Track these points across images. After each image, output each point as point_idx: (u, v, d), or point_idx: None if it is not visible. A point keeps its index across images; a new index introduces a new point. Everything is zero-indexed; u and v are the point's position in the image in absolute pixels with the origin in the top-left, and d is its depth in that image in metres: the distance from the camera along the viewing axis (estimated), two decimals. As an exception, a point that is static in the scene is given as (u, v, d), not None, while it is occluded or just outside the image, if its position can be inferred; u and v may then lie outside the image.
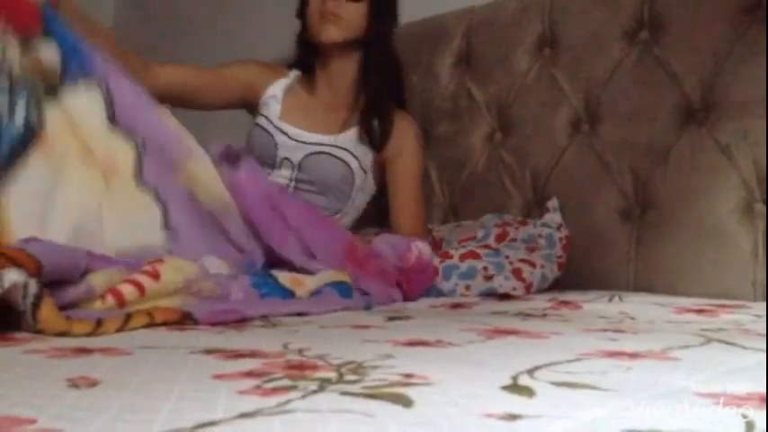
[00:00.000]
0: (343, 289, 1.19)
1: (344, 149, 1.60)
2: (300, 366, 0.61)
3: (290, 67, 1.72)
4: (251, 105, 1.71)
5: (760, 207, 1.40)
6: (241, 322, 0.93)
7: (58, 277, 0.86)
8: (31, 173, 1.02)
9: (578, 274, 1.54)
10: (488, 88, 1.84)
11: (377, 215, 1.70)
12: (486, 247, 1.46)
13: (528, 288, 1.38)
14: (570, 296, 1.32)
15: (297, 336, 0.81)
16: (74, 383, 0.54)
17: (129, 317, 0.84)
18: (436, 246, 1.55)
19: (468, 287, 1.36)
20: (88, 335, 0.78)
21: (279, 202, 1.29)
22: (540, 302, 1.23)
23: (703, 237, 1.44)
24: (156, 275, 0.97)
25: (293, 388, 0.53)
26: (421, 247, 1.37)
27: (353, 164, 1.60)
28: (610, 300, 1.26)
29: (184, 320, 0.90)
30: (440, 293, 1.37)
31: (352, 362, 0.62)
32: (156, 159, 1.17)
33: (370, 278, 1.26)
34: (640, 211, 1.55)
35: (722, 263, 1.41)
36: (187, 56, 1.82)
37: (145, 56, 1.55)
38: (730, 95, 1.46)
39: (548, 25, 1.76)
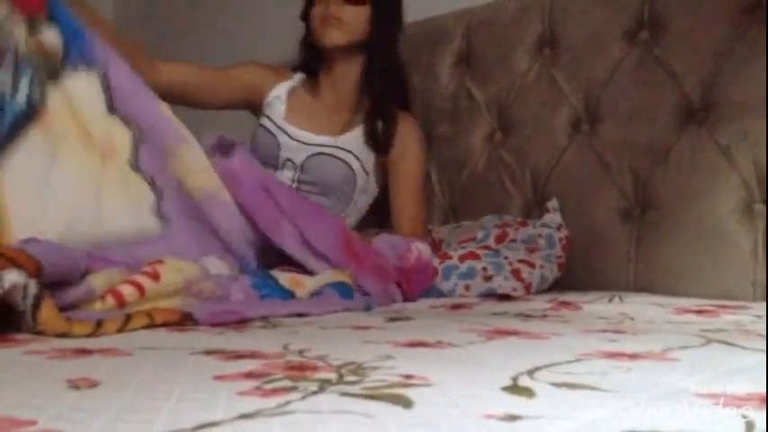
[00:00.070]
0: (343, 290, 1.19)
1: (347, 151, 1.60)
2: (301, 367, 0.61)
3: (295, 70, 1.72)
4: (255, 107, 1.71)
5: (760, 207, 1.40)
6: (241, 323, 0.93)
7: (58, 278, 0.86)
8: (30, 149, 1.03)
9: (578, 274, 1.54)
10: (488, 88, 1.84)
11: (378, 217, 1.70)
12: (486, 248, 1.46)
13: (527, 288, 1.38)
14: (570, 297, 1.32)
15: (297, 337, 0.81)
16: (74, 384, 0.54)
17: (129, 318, 0.84)
18: (436, 247, 1.55)
19: (467, 287, 1.36)
20: (88, 336, 0.78)
21: (272, 189, 1.29)
22: (540, 303, 1.23)
23: (703, 237, 1.44)
24: (156, 276, 0.97)
25: (293, 389, 0.53)
26: (420, 248, 1.37)
27: (355, 165, 1.60)
28: (610, 300, 1.26)
29: (184, 321, 0.90)
30: (440, 294, 1.37)
31: (352, 363, 0.62)
32: (151, 146, 1.19)
33: (367, 273, 1.26)
34: (640, 211, 1.55)
35: (722, 263, 1.41)
36: (187, 56, 1.82)
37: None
38: (730, 96, 1.46)
39: (548, 25, 1.76)
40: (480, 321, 0.96)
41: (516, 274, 1.38)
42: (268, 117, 1.66)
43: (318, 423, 0.45)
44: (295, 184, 1.59)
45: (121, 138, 1.16)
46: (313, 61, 1.69)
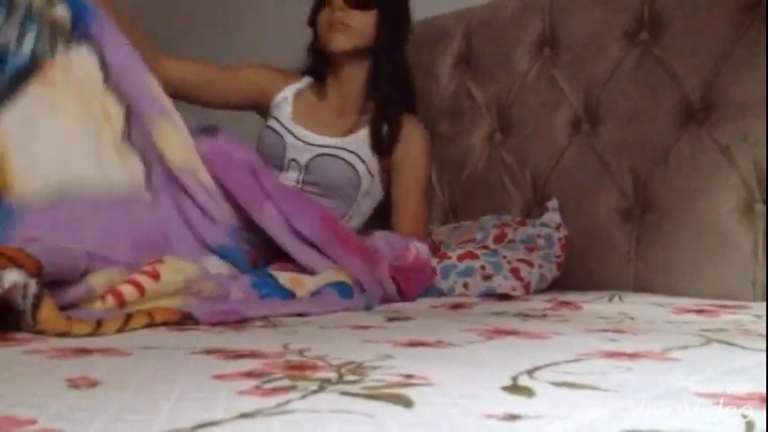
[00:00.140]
0: (343, 289, 1.19)
1: (351, 152, 1.60)
2: (300, 367, 0.61)
3: (303, 74, 1.73)
4: (262, 108, 1.72)
5: (760, 207, 1.40)
6: (241, 323, 0.93)
7: (58, 277, 0.86)
8: (29, 102, 1.07)
9: (578, 274, 1.54)
10: (488, 88, 1.84)
11: (382, 221, 1.69)
12: (485, 248, 1.46)
13: (527, 288, 1.38)
14: (570, 296, 1.32)
15: (297, 336, 0.81)
16: (74, 384, 0.54)
17: (129, 317, 0.84)
18: (435, 249, 1.54)
19: (466, 285, 1.37)
20: (88, 335, 0.78)
21: (259, 171, 1.30)
22: (540, 303, 1.23)
23: (703, 237, 1.44)
24: (156, 276, 0.97)
25: (293, 388, 0.53)
26: (419, 247, 1.37)
27: (360, 167, 1.60)
28: (610, 300, 1.26)
29: (184, 321, 0.90)
30: (440, 293, 1.37)
31: (352, 362, 0.62)
32: (140, 120, 1.22)
33: (354, 257, 1.27)
34: (640, 212, 1.55)
35: (722, 263, 1.41)
36: (187, 56, 1.82)
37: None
38: (730, 96, 1.46)
39: (548, 25, 1.76)
40: (480, 321, 0.96)
41: (515, 273, 1.39)
42: (275, 118, 1.67)
43: (318, 423, 0.45)
44: (299, 185, 1.59)
45: (116, 111, 1.19)
46: (320, 66, 1.69)
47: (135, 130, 1.20)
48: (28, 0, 1.12)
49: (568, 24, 1.72)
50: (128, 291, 0.94)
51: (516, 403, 0.50)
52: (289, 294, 1.15)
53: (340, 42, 1.60)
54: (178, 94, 1.53)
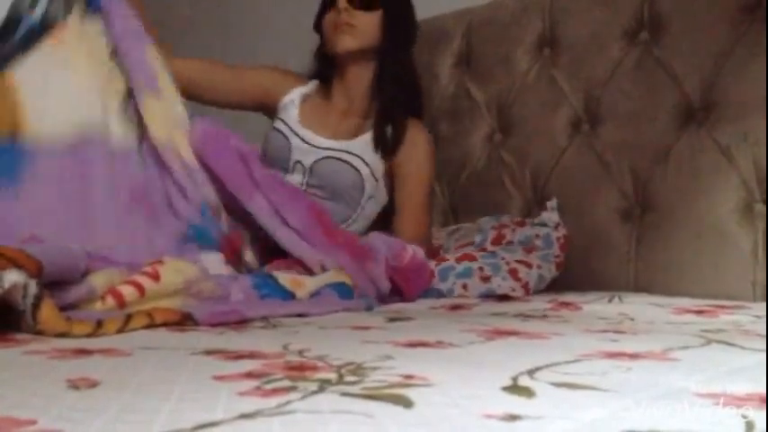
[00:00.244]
0: (342, 290, 1.19)
1: (356, 155, 1.60)
2: (300, 367, 0.61)
3: (311, 78, 1.73)
4: (269, 110, 1.73)
5: (760, 207, 1.40)
6: (241, 323, 0.93)
7: (59, 278, 0.86)
8: (42, 58, 1.12)
9: (578, 274, 1.54)
10: (488, 88, 1.84)
11: (386, 225, 1.68)
12: (483, 250, 1.46)
13: (526, 288, 1.38)
14: (570, 297, 1.31)
15: (297, 337, 0.81)
16: (74, 384, 0.54)
17: (129, 318, 0.84)
18: (434, 253, 1.54)
19: (465, 286, 1.36)
20: (88, 336, 0.78)
21: (248, 159, 1.31)
22: (540, 303, 1.23)
23: (703, 237, 1.44)
24: (156, 276, 0.97)
25: (293, 389, 0.53)
26: (416, 249, 1.37)
27: (364, 170, 1.60)
28: (609, 300, 1.26)
29: (184, 321, 0.90)
30: (439, 294, 1.37)
31: (352, 363, 0.62)
32: (135, 95, 1.25)
33: (339, 250, 1.27)
34: (640, 212, 1.55)
35: (722, 263, 1.41)
36: (187, 56, 1.82)
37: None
38: (730, 96, 1.46)
39: (548, 25, 1.76)
40: (480, 321, 0.96)
41: (513, 273, 1.38)
42: (282, 120, 1.67)
43: (318, 423, 0.45)
44: (304, 188, 1.59)
45: (118, 82, 1.23)
46: (326, 68, 1.70)
47: (131, 104, 1.24)
48: None
49: (568, 24, 1.72)
50: (128, 291, 0.94)
51: (516, 403, 0.50)
52: (289, 295, 1.15)
53: (345, 43, 1.61)
54: (184, 92, 1.53)
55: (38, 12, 1.16)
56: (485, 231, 1.53)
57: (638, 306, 1.18)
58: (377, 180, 1.62)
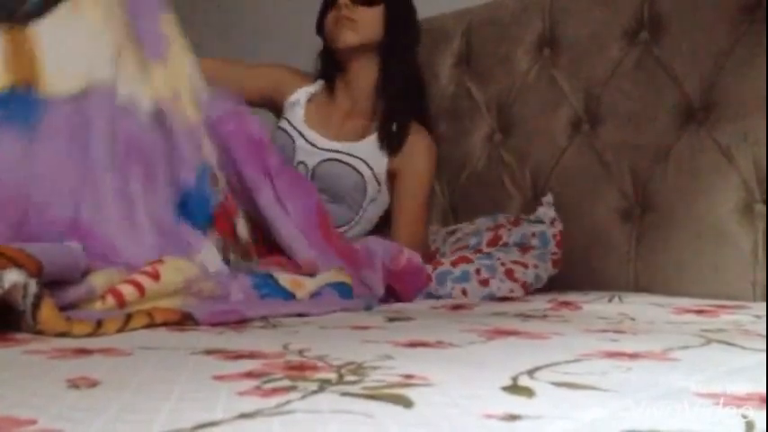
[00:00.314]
0: (342, 290, 1.19)
1: (358, 158, 1.60)
2: (300, 367, 0.60)
3: (316, 79, 1.73)
4: (276, 107, 1.73)
5: (760, 207, 1.40)
6: (241, 323, 0.93)
7: (59, 277, 0.86)
8: (59, 20, 1.12)
9: (578, 274, 1.54)
10: (488, 88, 1.84)
11: (387, 230, 1.68)
12: (478, 251, 1.46)
13: (524, 287, 1.38)
14: (570, 297, 1.31)
15: (297, 336, 0.81)
16: (74, 384, 0.54)
17: (129, 317, 0.84)
18: (431, 257, 1.54)
19: (464, 291, 1.36)
20: (88, 335, 0.78)
21: (263, 146, 1.31)
22: (541, 303, 1.23)
23: (703, 237, 1.44)
24: (156, 276, 0.97)
25: (293, 389, 0.52)
26: (411, 253, 1.37)
27: (367, 173, 1.60)
28: (609, 300, 1.26)
29: (184, 321, 0.90)
30: (439, 298, 1.36)
31: (352, 362, 0.62)
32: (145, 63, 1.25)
33: (334, 255, 1.28)
34: (640, 212, 1.55)
35: (722, 263, 1.41)
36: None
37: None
38: (730, 96, 1.46)
39: (548, 25, 1.76)
40: (480, 321, 0.96)
41: (510, 274, 1.38)
42: (287, 120, 1.67)
43: (318, 423, 0.45)
44: None
45: (131, 48, 1.22)
46: (329, 68, 1.70)
47: (140, 69, 1.23)
48: None
49: (568, 24, 1.72)
50: (128, 291, 0.94)
51: (516, 403, 0.50)
52: (289, 296, 1.14)
53: (347, 38, 1.61)
54: None
55: None
56: (480, 233, 1.53)
57: (638, 306, 1.18)
58: (379, 184, 1.62)
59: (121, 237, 1.07)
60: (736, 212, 1.41)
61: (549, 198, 1.57)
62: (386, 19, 1.62)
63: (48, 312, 0.77)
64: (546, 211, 1.54)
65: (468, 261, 1.41)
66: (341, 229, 1.60)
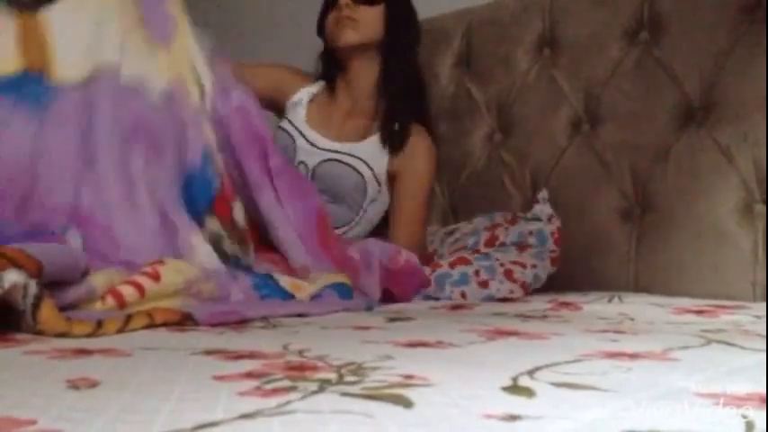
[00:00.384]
0: (343, 291, 1.19)
1: (359, 158, 1.60)
2: (300, 367, 0.60)
3: (318, 79, 1.74)
4: (278, 106, 1.73)
5: (760, 207, 1.40)
6: (241, 323, 0.93)
7: (59, 278, 0.86)
8: (67, 7, 1.13)
9: (578, 274, 1.54)
10: (488, 88, 1.84)
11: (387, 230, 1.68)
12: (476, 252, 1.46)
13: (524, 287, 1.38)
14: (570, 297, 1.31)
15: (297, 337, 0.81)
16: (74, 384, 0.54)
17: (129, 318, 0.84)
18: (429, 259, 1.53)
19: (463, 294, 1.36)
20: (88, 336, 0.78)
21: (267, 144, 1.32)
22: (541, 304, 1.23)
23: (703, 237, 1.44)
24: (156, 276, 0.97)
25: (293, 389, 0.52)
26: (409, 254, 1.37)
27: (367, 173, 1.60)
28: (609, 301, 1.26)
29: (184, 321, 0.90)
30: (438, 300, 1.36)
31: (352, 363, 0.62)
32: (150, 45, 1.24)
33: (330, 261, 1.28)
34: (640, 212, 1.55)
35: (722, 263, 1.41)
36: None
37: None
38: (730, 96, 1.46)
39: (548, 25, 1.76)
40: (480, 322, 0.96)
41: (509, 275, 1.38)
42: (288, 120, 1.68)
43: (318, 423, 0.45)
44: None
45: (139, 31, 1.22)
46: (330, 68, 1.70)
47: (146, 51, 1.23)
48: None
49: (568, 24, 1.72)
50: (128, 291, 0.94)
51: (516, 403, 0.50)
52: (289, 297, 1.15)
53: (348, 36, 1.61)
54: None
55: None
56: (478, 233, 1.52)
57: (638, 306, 1.18)
58: (380, 184, 1.62)
59: (121, 220, 1.07)
60: (735, 212, 1.41)
61: (544, 194, 1.56)
62: (386, 18, 1.63)
63: (48, 313, 0.77)
64: (542, 207, 1.52)
65: (467, 262, 1.41)
66: (341, 230, 1.60)
